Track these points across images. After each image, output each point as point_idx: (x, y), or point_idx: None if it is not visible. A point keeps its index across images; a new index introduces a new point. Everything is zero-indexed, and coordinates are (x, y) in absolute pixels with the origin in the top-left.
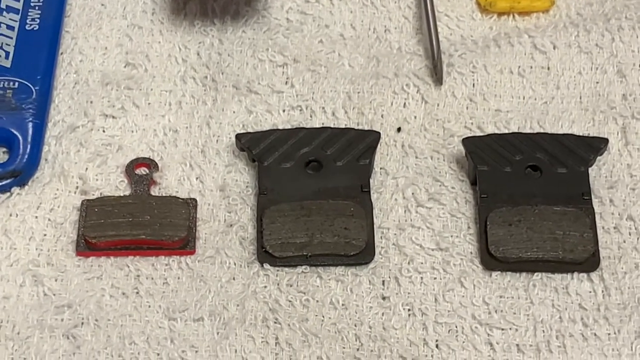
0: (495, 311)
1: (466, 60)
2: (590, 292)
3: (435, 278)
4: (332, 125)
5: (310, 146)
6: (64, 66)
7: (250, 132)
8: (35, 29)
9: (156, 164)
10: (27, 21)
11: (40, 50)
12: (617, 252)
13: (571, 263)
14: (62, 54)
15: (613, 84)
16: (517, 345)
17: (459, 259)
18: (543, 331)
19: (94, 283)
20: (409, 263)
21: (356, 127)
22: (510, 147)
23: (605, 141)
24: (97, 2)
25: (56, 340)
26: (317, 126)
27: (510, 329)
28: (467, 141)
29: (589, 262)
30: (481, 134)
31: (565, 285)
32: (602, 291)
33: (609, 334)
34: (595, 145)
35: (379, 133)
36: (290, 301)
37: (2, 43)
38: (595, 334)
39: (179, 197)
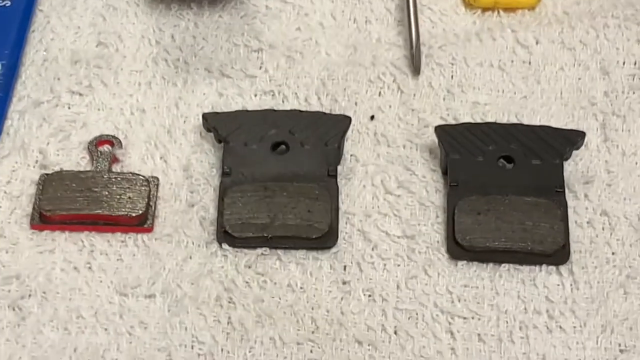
0: (459, 300)
1: (446, 52)
2: (558, 284)
3: (398, 265)
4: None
5: (278, 128)
6: (34, 43)
7: (217, 113)
8: (7, 5)
9: (120, 141)
10: None
11: (10, 26)
12: (589, 247)
13: (540, 255)
14: (33, 31)
15: (595, 81)
16: (479, 334)
17: (424, 247)
18: (506, 322)
19: (45, 256)
20: (372, 249)
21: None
22: (484, 136)
23: (582, 134)
24: None
25: (1, 311)
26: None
27: (472, 318)
28: (439, 129)
29: (558, 255)
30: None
31: (533, 277)
32: (571, 284)
33: (575, 327)
34: (572, 139)
35: (350, 118)
36: (247, 282)
37: None
38: (560, 327)
39: (139, 175)
